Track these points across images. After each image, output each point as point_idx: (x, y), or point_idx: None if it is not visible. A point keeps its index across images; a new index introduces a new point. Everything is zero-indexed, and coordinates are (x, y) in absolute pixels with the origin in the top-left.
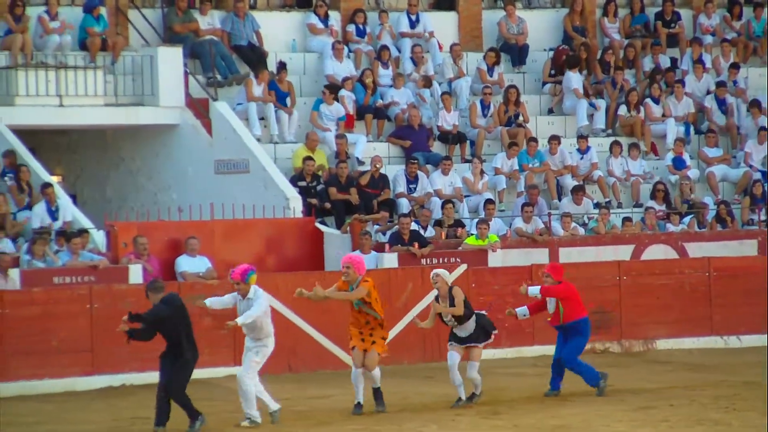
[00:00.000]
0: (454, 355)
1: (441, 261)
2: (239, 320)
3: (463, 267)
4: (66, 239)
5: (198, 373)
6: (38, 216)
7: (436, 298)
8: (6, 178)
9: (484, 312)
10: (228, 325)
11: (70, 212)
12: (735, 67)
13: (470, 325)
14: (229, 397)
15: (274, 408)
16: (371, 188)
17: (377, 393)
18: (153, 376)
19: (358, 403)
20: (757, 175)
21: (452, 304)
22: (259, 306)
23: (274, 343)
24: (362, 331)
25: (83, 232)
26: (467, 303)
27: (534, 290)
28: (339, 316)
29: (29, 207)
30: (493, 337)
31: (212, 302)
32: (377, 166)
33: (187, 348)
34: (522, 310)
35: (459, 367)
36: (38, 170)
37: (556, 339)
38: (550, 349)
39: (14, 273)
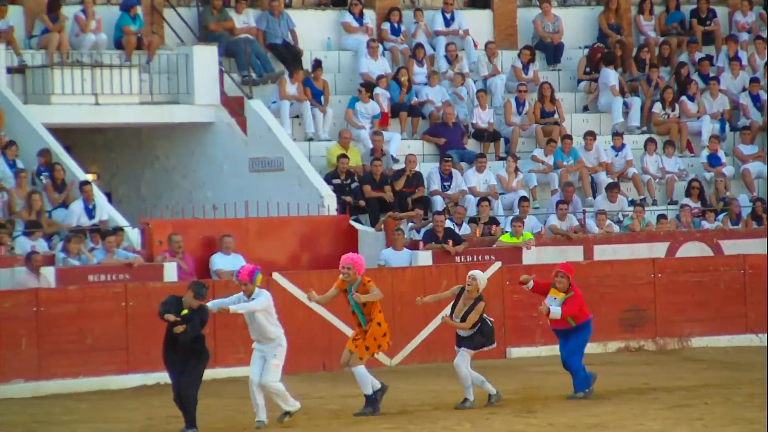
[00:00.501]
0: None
1: (475, 258)
2: (232, 307)
3: (498, 264)
4: (101, 237)
5: (233, 372)
6: (75, 214)
7: (461, 292)
8: (42, 177)
9: (489, 320)
10: (220, 310)
11: (106, 211)
12: None
13: (468, 326)
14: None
15: (293, 407)
16: (406, 186)
17: (367, 398)
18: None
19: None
20: None
21: (468, 313)
22: (258, 302)
23: (285, 341)
24: (360, 334)
25: (118, 230)
26: (486, 320)
27: (556, 312)
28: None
29: (64, 205)
30: (488, 348)
31: (216, 304)
32: (411, 168)
33: (202, 347)
34: (530, 283)
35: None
36: (73, 168)
37: (559, 341)
38: (587, 348)
39: (49, 271)
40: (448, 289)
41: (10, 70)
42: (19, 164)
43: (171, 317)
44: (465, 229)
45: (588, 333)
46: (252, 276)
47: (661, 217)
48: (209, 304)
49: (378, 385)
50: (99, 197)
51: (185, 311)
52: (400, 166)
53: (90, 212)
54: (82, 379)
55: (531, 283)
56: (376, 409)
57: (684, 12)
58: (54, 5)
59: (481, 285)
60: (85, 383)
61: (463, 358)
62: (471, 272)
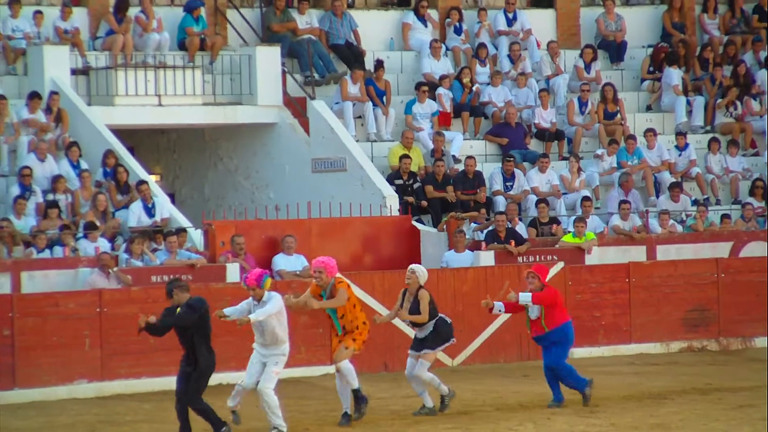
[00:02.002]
0: (409, 362)
1: (537, 259)
2: (252, 316)
3: (560, 264)
4: (163, 237)
5: (294, 372)
6: (135, 214)
7: (404, 294)
8: (107, 179)
9: (447, 319)
10: (240, 322)
11: (167, 210)
12: None
13: (429, 327)
14: (325, 396)
15: (281, 428)
16: (467, 187)
17: (355, 395)
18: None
19: (345, 413)
20: None
21: (415, 305)
22: (273, 305)
23: (288, 349)
24: (339, 338)
25: (181, 231)
26: (433, 306)
27: (525, 297)
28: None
29: (127, 207)
30: (448, 344)
31: (230, 312)
32: (470, 170)
33: (205, 356)
34: (499, 305)
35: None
36: (137, 170)
37: (542, 350)
38: (648, 347)
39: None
40: (509, 290)
41: (74, 72)
42: (83, 165)
43: (143, 322)
44: (521, 228)
45: (571, 340)
46: (260, 281)
47: (725, 216)
48: (226, 311)
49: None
50: (159, 196)
51: (179, 310)
52: (462, 167)
53: (149, 211)
54: (145, 380)
55: (500, 306)
56: (365, 402)
57: (747, 9)
58: (121, 6)
59: (420, 278)
60: (148, 383)
61: (423, 366)
62: (410, 266)
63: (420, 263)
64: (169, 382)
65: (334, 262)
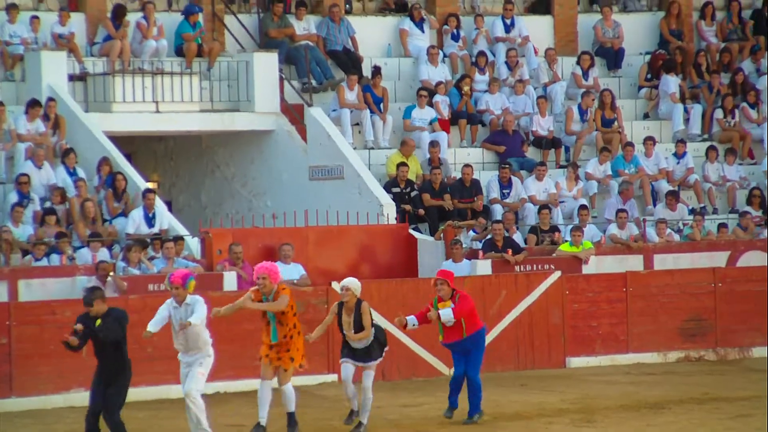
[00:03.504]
0: (348, 368)
1: (535, 268)
2: (192, 319)
3: (558, 274)
4: (161, 245)
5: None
6: (134, 222)
7: (340, 308)
8: (104, 186)
9: (380, 326)
10: (144, 335)
11: (166, 219)
12: None
13: (371, 337)
14: (322, 404)
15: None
16: (464, 195)
17: (290, 418)
18: (249, 384)
19: (258, 423)
20: None
21: (358, 319)
22: (203, 309)
23: (213, 351)
24: (275, 349)
25: (179, 239)
26: (377, 326)
27: (447, 315)
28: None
29: (124, 214)
30: (384, 354)
31: (154, 324)
32: (467, 179)
33: (127, 368)
34: (411, 320)
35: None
36: (134, 177)
37: (454, 358)
38: (645, 357)
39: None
40: (506, 298)
41: (72, 78)
42: (80, 173)
43: (80, 327)
44: (518, 237)
45: (484, 344)
46: (185, 281)
47: (722, 225)
48: (149, 328)
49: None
50: (159, 206)
51: (98, 321)
52: (460, 174)
53: (150, 221)
54: (142, 388)
55: (413, 321)
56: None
57: (745, 17)
58: (119, 12)
59: (356, 292)
60: (144, 392)
61: (371, 379)
62: (342, 282)
63: (417, 272)
64: (166, 391)
65: (278, 269)
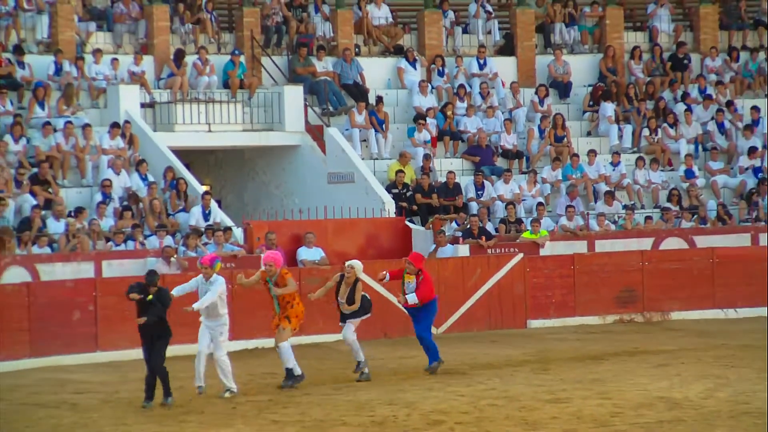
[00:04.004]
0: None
1: (502, 251)
2: (196, 305)
3: (520, 255)
4: (212, 234)
5: (314, 339)
6: (195, 216)
7: (341, 277)
8: (169, 189)
9: (368, 296)
10: (185, 309)
11: (218, 215)
12: (731, 101)
13: (357, 306)
14: (339, 357)
15: (233, 387)
16: (447, 195)
17: (288, 372)
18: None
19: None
20: (750, 183)
21: (352, 294)
22: (215, 291)
23: (228, 319)
24: (277, 316)
25: (227, 229)
26: (364, 296)
27: (412, 299)
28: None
29: (184, 210)
30: (366, 316)
31: (179, 290)
32: (450, 182)
33: (166, 333)
34: (387, 275)
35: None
36: (192, 182)
37: (412, 320)
38: (588, 319)
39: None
40: (481, 274)
41: (143, 105)
42: (150, 178)
43: (135, 296)
44: (490, 227)
45: (435, 310)
46: (212, 263)
47: (648, 218)
48: (173, 291)
49: (299, 371)
50: (213, 205)
51: (150, 296)
52: (445, 179)
53: (206, 216)
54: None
55: (387, 277)
56: (295, 380)
57: (665, 58)
58: (179, 55)
59: (358, 272)
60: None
61: (350, 329)
62: (348, 262)
63: None
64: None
65: (281, 256)
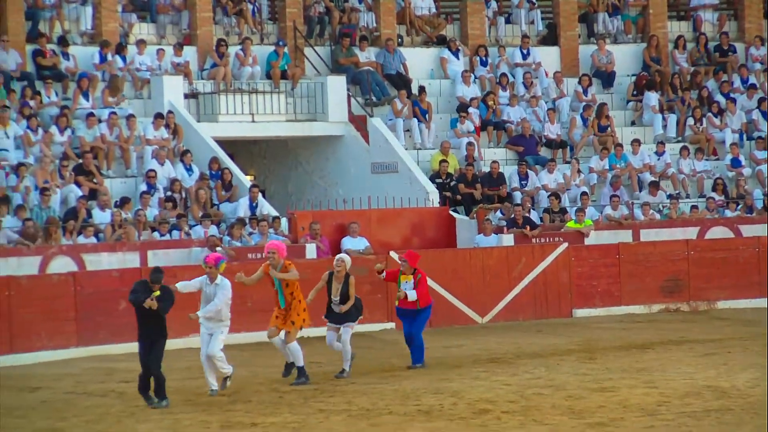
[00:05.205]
0: (330, 334)
1: (547, 240)
2: (200, 313)
3: (565, 245)
4: (257, 223)
5: (360, 328)
6: (242, 207)
7: (330, 277)
8: (213, 179)
9: (358, 297)
10: (190, 317)
11: (266, 206)
12: None
13: (352, 302)
14: (384, 346)
15: (228, 370)
16: (491, 185)
17: (299, 371)
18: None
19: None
20: None
21: (345, 289)
22: (222, 296)
23: (229, 320)
24: (281, 314)
25: (276, 218)
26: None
27: (412, 296)
28: (468, 281)
29: (229, 201)
30: (361, 318)
31: (183, 286)
32: (494, 172)
33: (164, 335)
34: (384, 273)
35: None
36: (236, 172)
37: (403, 322)
38: (634, 309)
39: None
40: (525, 264)
41: (186, 96)
42: (194, 169)
43: (154, 304)
44: (533, 217)
45: (428, 315)
46: (217, 262)
47: (693, 207)
48: (178, 285)
49: (301, 363)
50: (259, 197)
51: (157, 292)
52: (489, 168)
53: (253, 208)
54: (244, 334)
55: (384, 274)
56: (308, 378)
57: (710, 47)
58: (221, 45)
59: (348, 266)
60: (247, 337)
61: (349, 334)
62: (338, 256)
63: (455, 244)
64: (263, 336)
65: (285, 246)
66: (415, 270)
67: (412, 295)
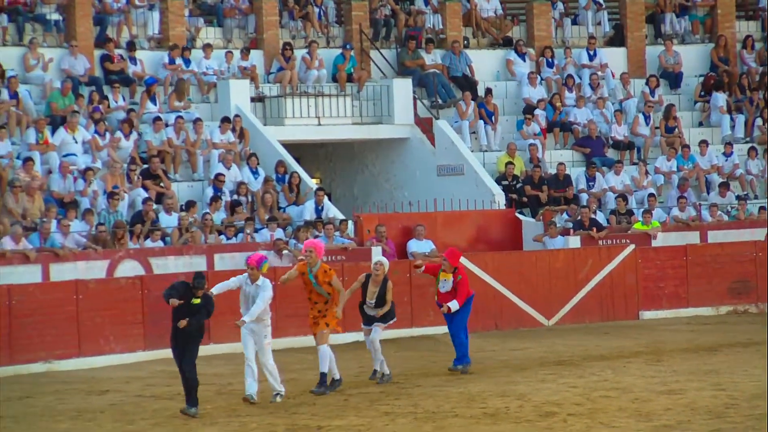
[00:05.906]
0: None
1: (614, 242)
2: (246, 318)
3: (632, 247)
4: (323, 226)
5: (424, 331)
6: (308, 210)
7: (367, 279)
8: (279, 182)
9: (393, 302)
10: (236, 324)
11: (332, 210)
12: None
13: (387, 308)
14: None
15: (282, 390)
16: (558, 187)
17: (321, 378)
18: (387, 334)
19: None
20: None
21: (382, 293)
22: (263, 299)
23: (270, 321)
24: (315, 316)
25: (343, 221)
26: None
27: (454, 305)
28: (534, 284)
29: (296, 204)
30: (392, 322)
31: (218, 288)
32: (561, 174)
33: (199, 337)
34: (422, 267)
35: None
36: (303, 175)
37: (446, 318)
38: (701, 311)
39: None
40: (592, 266)
41: (253, 100)
42: (260, 172)
43: (175, 302)
44: (600, 218)
45: (469, 309)
46: (260, 263)
47: (761, 208)
48: (213, 290)
49: (337, 376)
50: (326, 200)
51: (197, 300)
52: (555, 170)
53: (319, 211)
54: (309, 337)
55: (423, 268)
56: (327, 388)
57: None
58: (287, 49)
59: (386, 269)
60: (311, 340)
61: (378, 333)
62: (377, 259)
63: (522, 246)
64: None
65: (323, 245)
66: (455, 269)
67: (455, 306)
